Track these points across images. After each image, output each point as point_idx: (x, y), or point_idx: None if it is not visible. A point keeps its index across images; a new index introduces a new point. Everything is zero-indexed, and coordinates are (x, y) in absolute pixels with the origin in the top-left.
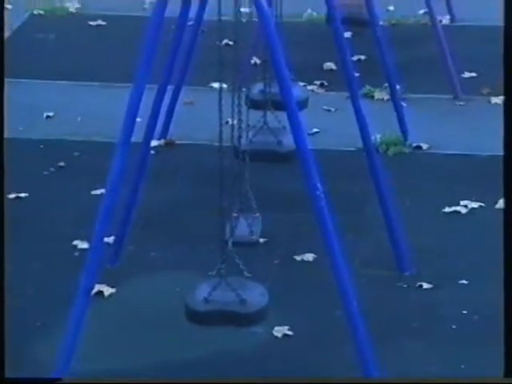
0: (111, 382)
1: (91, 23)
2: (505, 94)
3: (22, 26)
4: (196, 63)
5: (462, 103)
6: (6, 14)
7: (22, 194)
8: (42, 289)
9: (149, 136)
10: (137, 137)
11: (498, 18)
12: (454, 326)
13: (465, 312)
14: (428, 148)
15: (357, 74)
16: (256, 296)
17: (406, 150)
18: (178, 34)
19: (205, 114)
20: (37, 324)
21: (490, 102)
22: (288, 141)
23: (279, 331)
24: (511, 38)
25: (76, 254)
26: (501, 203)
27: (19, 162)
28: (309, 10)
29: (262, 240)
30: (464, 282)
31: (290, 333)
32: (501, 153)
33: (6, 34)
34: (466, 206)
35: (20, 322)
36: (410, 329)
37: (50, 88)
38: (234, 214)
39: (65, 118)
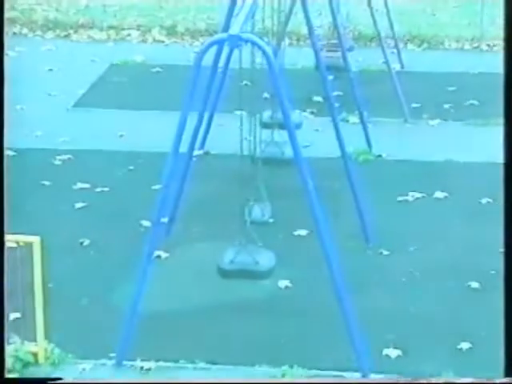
0: (111, 382)
1: (152, 70)
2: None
3: (105, 73)
4: (224, 97)
5: (409, 125)
6: (94, 67)
7: (105, 189)
8: (120, 253)
9: (192, 148)
10: (183, 148)
11: (433, 66)
12: (403, 279)
13: (411, 270)
14: (386, 156)
15: (337, 105)
16: (266, 259)
17: (371, 158)
18: (212, 77)
19: (231, 133)
20: (116, 278)
21: (428, 124)
22: (289, 151)
23: (282, 283)
24: None
25: (142, 229)
26: (436, 194)
27: (102, 166)
28: (303, 60)
29: (270, 220)
30: (411, 249)
31: (290, 285)
32: (436, 159)
33: (94, 78)
34: (412, 196)
35: (103, 275)
36: (373, 281)
37: (122, 115)
38: (251, 202)
39: (133, 136)
